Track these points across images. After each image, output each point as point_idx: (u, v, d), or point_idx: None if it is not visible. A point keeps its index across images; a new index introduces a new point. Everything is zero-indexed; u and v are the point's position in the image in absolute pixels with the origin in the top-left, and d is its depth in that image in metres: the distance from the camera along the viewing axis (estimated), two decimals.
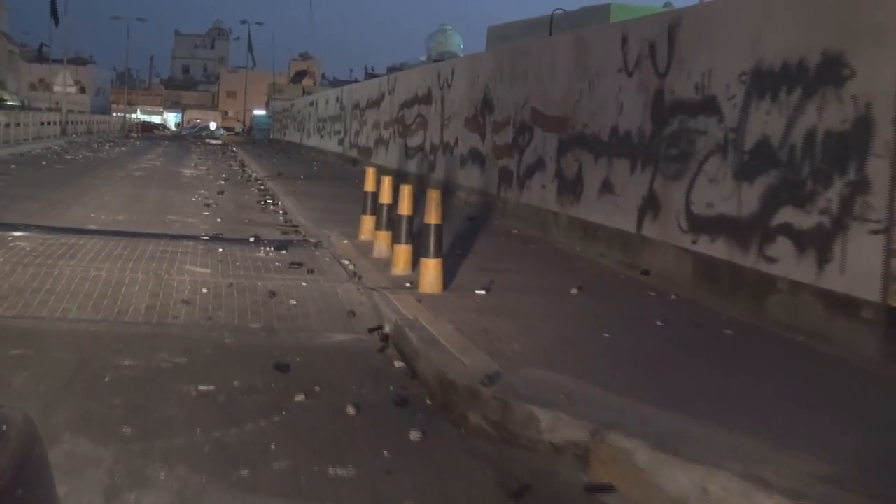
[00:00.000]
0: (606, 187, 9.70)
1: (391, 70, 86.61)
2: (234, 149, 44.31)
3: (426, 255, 7.44)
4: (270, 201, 16.14)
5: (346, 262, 8.97)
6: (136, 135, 67.51)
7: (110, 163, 26.70)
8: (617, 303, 7.39)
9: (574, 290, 7.63)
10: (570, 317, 6.70)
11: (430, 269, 7.41)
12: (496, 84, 13.74)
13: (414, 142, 19.13)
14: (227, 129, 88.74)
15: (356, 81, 51.04)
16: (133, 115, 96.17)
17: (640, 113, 9.00)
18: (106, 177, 20.30)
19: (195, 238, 10.51)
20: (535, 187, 11.85)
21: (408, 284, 7.66)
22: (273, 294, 7.47)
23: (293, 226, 12.68)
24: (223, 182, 20.54)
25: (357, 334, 6.49)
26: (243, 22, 72.25)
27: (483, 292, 7.39)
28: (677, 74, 8.30)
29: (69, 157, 28.16)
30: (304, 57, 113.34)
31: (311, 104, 40.14)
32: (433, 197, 7.58)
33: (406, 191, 8.29)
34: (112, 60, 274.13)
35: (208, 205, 14.89)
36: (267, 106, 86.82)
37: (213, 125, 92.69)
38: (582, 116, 10.46)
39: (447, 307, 6.72)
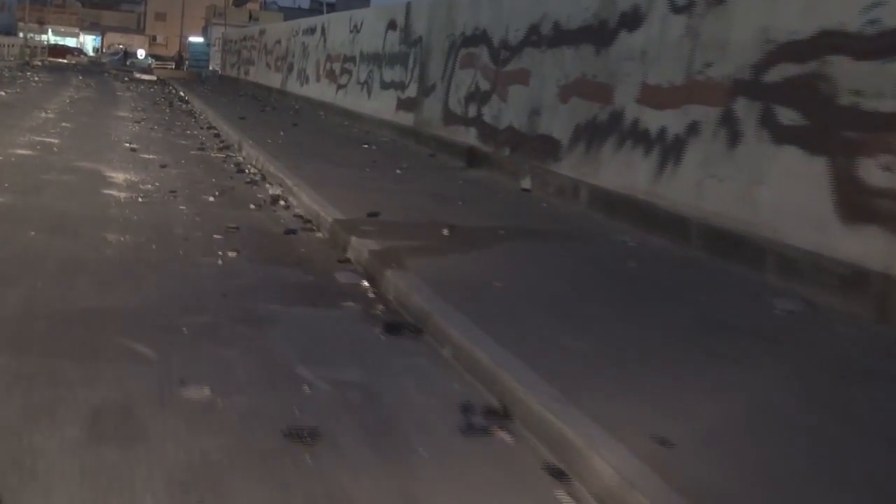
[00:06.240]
0: None
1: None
2: (182, 93, 29.75)
3: None
4: None
5: None
6: (39, 63, 51.71)
7: None
8: None
9: None
10: None
11: None
12: None
13: None
14: (157, 57, 72.32)
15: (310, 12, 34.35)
16: (42, 37, 79.24)
17: None
18: None
19: None
20: None
21: None
22: None
23: None
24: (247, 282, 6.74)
25: None
26: None
27: None
28: None
29: None
30: None
31: (310, 32, 25.82)
32: None
33: None
34: None
35: None
36: (204, 32, 71.61)
37: (141, 53, 75.81)
38: None
39: None
